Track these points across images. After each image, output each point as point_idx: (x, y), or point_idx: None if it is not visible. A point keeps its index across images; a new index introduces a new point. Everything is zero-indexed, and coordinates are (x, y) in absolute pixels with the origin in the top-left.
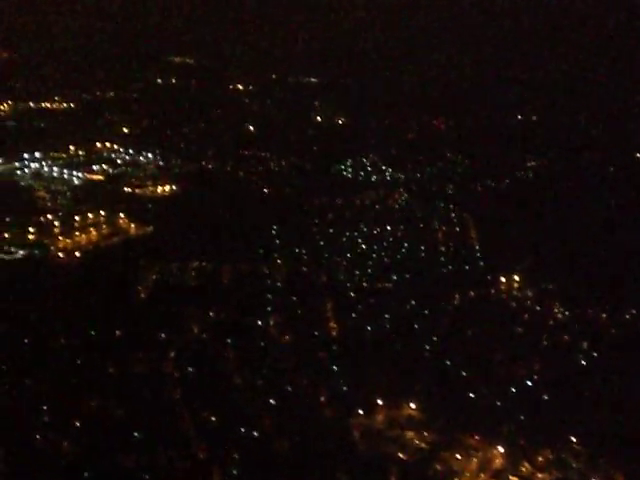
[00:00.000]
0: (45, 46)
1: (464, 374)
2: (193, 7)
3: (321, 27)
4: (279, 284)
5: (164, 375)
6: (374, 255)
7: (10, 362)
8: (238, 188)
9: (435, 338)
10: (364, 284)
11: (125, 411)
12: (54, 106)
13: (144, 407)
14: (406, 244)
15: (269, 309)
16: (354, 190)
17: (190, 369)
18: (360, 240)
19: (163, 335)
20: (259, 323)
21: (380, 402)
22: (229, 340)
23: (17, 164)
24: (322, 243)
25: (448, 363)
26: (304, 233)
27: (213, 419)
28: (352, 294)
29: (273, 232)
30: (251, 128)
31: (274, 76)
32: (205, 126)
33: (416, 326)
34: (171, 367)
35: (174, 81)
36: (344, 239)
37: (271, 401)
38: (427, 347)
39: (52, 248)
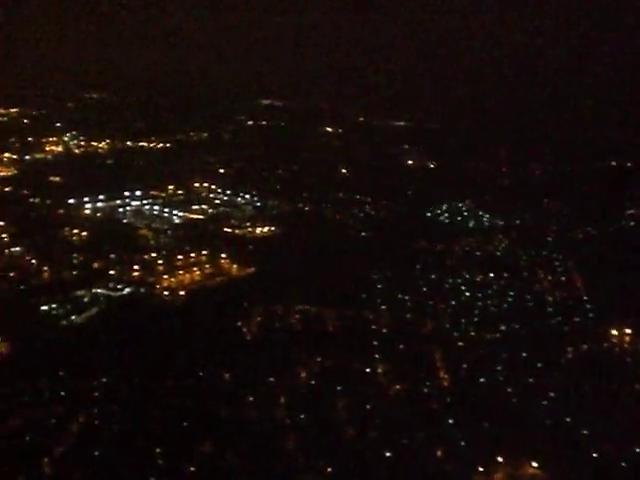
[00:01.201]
0: (136, 88)
1: (585, 432)
2: (280, 52)
3: (405, 73)
4: (384, 330)
5: (276, 421)
6: (479, 303)
7: (119, 403)
8: (336, 231)
9: (552, 393)
10: (472, 333)
11: (240, 458)
12: (151, 146)
13: (259, 454)
14: (511, 293)
15: (377, 356)
16: (452, 235)
17: (302, 416)
18: (464, 287)
19: (272, 379)
20: (367, 370)
21: (500, 459)
22: (339, 387)
23: (118, 202)
24: (425, 289)
25: (568, 420)
26: (405, 279)
27: (329, 470)
28: (460, 343)
29: (374, 276)
30: (344, 171)
31: (361, 119)
32: (298, 168)
33: (531, 380)
34: (283, 413)
35: (264, 123)
36: (447, 286)
37: (387, 454)
38: (544, 402)
39: (157, 286)
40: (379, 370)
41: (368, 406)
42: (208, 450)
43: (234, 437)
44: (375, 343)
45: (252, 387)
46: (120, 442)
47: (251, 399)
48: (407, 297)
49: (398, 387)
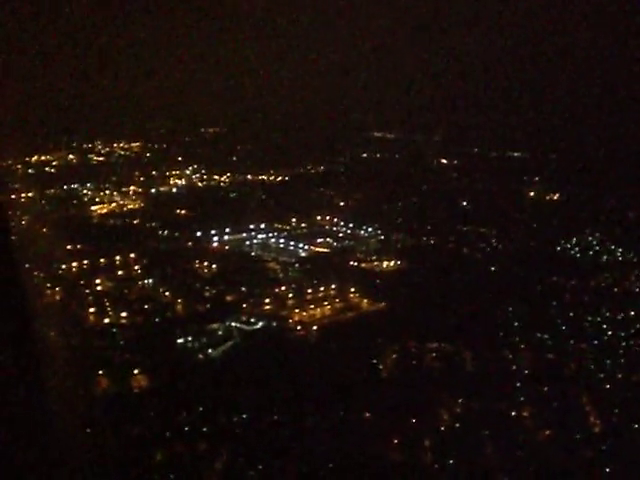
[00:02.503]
0: (249, 122)
1: None
2: (388, 84)
3: (517, 103)
4: (526, 372)
5: (425, 466)
6: (623, 343)
7: (262, 441)
8: (464, 265)
9: None
10: (619, 375)
11: None
12: (270, 179)
13: None
14: None
15: (521, 399)
16: (585, 271)
17: (451, 462)
18: (605, 326)
19: (414, 420)
20: (513, 414)
21: None
22: (485, 432)
23: (244, 235)
24: (564, 328)
25: None
26: (542, 317)
27: None
28: (607, 386)
29: (509, 314)
30: (464, 203)
31: (475, 150)
32: (417, 200)
33: None
34: (430, 458)
35: (378, 156)
36: (587, 324)
37: None
38: None
39: (290, 321)
40: (525, 414)
41: (519, 452)
42: None
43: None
44: (518, 385)
45: (395, 428)
46: None
47: (396, 441)
48: (546, 336)
49: (547, 432)
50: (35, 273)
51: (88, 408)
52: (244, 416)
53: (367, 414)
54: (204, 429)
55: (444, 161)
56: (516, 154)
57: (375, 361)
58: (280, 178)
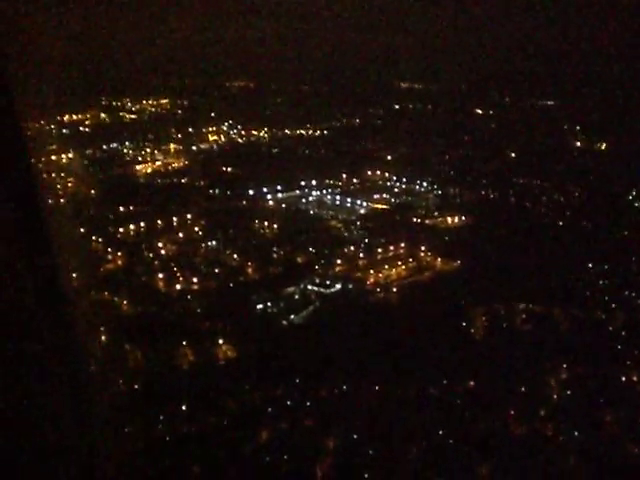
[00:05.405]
0: (278, 75)
1: None
2: (409, 34)
3: (544, 51)
4: (623, 333)
5: (548, 438)
6: None
7: (383, 414)
8: (530, 220)
9: None
10: None
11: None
12: (309, 133)
13: (541, 476)
14: None
15: (628, 363)
16: None
17: (576, 433)
18: None
19: (523, 389)
20: (622, 379)
21: None
22: (600, 399)
23: (298, 192)
24: None
25: None
26: (624, 274)
27: None
28: None
29: (591, 271)
30: (512, 155)
31: (507, 100)
32: (464, 152)
33: None
34: (551, 429)
35: (410, 107)
36: None
37: None
38: None
39: (367, 282)
40: (634, 378)
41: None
42: (484, 472)
43: (510, 456)
44: (619, 347)
45: (506, 398)
46: (385, 462)
47: (512, 412)
48: (634, 294)
49: None
50: (93, 238)
51: (177, 382)
52: (344, 388)
53: (471, 383)
54: (307, 403)
55: (479, 111)
56: (549, 102)
57: (464, 324)
58: (318, 132)
